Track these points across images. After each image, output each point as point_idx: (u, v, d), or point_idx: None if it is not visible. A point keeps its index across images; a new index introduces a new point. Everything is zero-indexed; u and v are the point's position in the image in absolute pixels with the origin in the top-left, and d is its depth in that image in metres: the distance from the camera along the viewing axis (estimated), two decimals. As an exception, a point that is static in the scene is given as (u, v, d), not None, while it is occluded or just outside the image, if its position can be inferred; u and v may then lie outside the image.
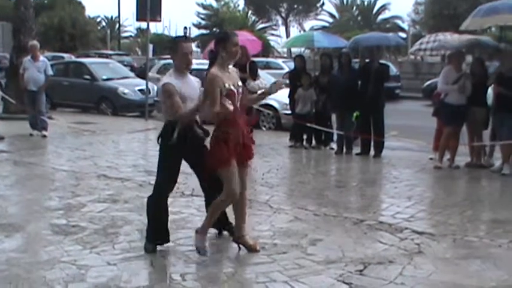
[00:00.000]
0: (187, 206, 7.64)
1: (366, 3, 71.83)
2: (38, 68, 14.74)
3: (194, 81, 6.57)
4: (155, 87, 19.78)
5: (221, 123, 6.07)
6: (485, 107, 11.33)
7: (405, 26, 63.44)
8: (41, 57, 15.23)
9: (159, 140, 6.37)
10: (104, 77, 21.39)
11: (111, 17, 75.92)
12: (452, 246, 6.71)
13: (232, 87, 6.08)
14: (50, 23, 48.29)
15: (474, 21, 12.64)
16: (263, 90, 6.67)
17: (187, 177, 9.06)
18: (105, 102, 20.90)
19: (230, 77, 6.19)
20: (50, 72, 15.08)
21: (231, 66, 6.39)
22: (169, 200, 6.75)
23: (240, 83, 6.30)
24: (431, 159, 12.12)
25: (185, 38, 6.72)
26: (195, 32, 70.04)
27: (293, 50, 46.54)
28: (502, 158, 11.04)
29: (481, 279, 5.67)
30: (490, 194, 9.91)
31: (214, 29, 67.29)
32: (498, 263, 6.11)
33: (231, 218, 6.60)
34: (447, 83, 11.39)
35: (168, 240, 6.48)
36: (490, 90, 11.39)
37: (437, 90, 11.97)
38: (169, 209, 6.91)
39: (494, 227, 7.50)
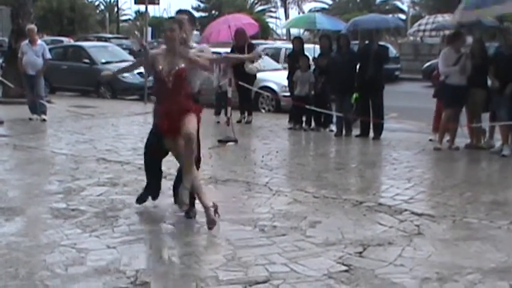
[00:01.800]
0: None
1: (365, -16, 71.53)
2: (36, 52, 14.71)
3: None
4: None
5: None
6: (485, 89, 11.29)
7: (405, 7, 63.31)
8: (39, 41, 15.21)
9: None
10: (103, 61, 21.34)
11: (110, 1, 75.62)
12: (452, 227, 6.71)
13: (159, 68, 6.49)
14: (48, 6, 48.12)
15: (467, 14, 12.16)
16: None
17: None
18: (105, 85, 20.87)
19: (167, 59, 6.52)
20: (48, 56, 15.04)
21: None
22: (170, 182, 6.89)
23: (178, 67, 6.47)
24: (430, 140, 12.12)
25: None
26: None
27: (292, 32, 46.42)
28: (502, 139, 11.03)
29: (481, 260, 5.67)
30: (490, 176, 9.92)
31: (213, 12, 67.15)
32: (497, 245, 6.11)
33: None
34: (448, 65, 11.35)
35: (154, 197, 7.35)
36: None
37: (440, 72, 11.92)
38: (171, 192, 7.19)
39: (493, 208, 7.49)
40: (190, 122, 6.42)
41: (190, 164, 6.50)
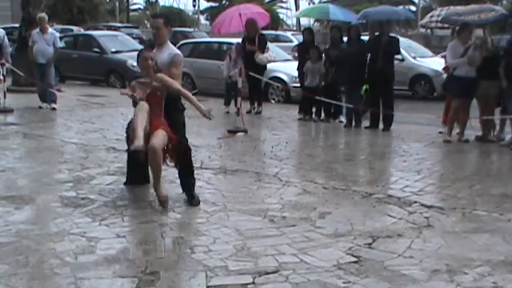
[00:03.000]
0: (197, 178, 7.63)
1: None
2: (47, 40, 14.72)
3: (163, 53, 7.31)
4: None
5: None
6: (498, 81, 11.22)
7: (415, -1, 63.04)
8: (50, 30, 15.20)
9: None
10: (113, 50, 21.34)
11: (120, -10, 75.60)
12: (461, 220, 6.70)
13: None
14: (59, -5, 48.10)
15: None
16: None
17: (196, 150, 9.09)
18: (114, 75, 20.88)
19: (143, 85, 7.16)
20: (59, 44, 15.06)
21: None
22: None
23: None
24: (440, 133, 12.09)
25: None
26: (204, 5, 69.80)
27: (302, 22, 46.40)
28: (512, 132, 11.01)
29: (490, 253, 5.67)
30: (500, 168, 9.89)
31: (223, 2, 67.06)
32: (507, 237, 6.10)
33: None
34: (455, 57, 11.34)
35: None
36: None
37: (448, 64, 11.90)
38: (178, 181, 7.27)
39: (503, 201, 7.48)
40: (157, 137, 6.78)
41: (157, 176, 6.92)
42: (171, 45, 7.49)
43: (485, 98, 11.29)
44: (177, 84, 7.08)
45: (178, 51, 7.42)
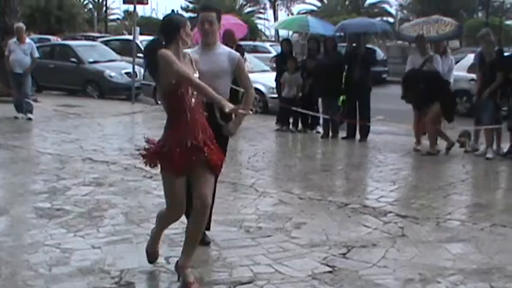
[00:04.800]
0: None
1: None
2: (24, 50, 14.66)
3: (218, 56, 5.95)
4: (142, 70, 19.61)
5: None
6: (449, 97, 11.38)
7: (393, 10, 63.61)
8: (27, 40, 15.15)
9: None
10: (90, 60, 21.28)
11: (98, 0, 75.37)
12: (435, 229, 6.75)
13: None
14: (36, 5, 47.88)
15: None
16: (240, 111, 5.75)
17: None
18: (92, 85, 20.82)
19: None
20: (37, 54, 14.99)
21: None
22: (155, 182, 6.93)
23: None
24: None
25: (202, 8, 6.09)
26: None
27: (281, 33, 46.56)
28: (486, 142, 11.11)
29: (463, 262, 5.72)
30: (474, 178, 9.96)
31: (202, 13, 66.98)
32: (480, 246, 6.16)
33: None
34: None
35: None
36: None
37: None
38: (157, 193, 7.24)
39: (476, 210, 7.57)
40: (210, 187, 5.06)
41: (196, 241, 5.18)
42: (225, 46, 6.17)
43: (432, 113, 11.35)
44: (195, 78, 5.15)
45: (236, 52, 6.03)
